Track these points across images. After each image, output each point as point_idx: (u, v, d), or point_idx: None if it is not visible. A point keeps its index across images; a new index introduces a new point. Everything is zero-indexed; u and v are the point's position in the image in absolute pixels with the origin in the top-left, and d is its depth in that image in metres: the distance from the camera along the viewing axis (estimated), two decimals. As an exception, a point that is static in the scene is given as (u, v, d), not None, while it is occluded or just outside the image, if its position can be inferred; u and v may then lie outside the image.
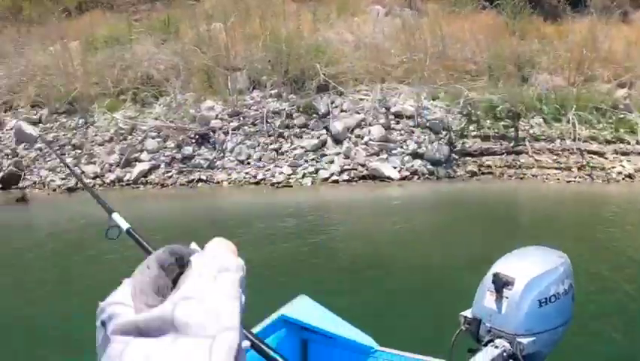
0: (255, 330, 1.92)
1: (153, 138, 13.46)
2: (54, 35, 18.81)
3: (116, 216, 1.66)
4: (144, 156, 13.19)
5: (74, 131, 14.38)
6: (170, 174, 12.83)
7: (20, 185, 13.67)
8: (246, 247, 7.64)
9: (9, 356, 4.83)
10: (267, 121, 13.54)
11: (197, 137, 13.35)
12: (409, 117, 13.66)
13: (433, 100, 14.25)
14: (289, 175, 12.59)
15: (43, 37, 19.01)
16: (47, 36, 19.07)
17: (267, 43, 15.16)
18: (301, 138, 13.48)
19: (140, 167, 12.91)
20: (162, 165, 12.98)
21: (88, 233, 9.00)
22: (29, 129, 14.93)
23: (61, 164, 13.48)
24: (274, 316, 2.13)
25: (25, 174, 13.94)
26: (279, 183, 12.41)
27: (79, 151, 13.71)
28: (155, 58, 15.48)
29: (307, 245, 7.94)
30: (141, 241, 1.48)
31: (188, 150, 13.10)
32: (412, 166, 12.71)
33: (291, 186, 12.31)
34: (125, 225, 1.60)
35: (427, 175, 12.63)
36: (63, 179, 13.14)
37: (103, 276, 6.70)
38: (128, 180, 12.75)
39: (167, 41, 16.35)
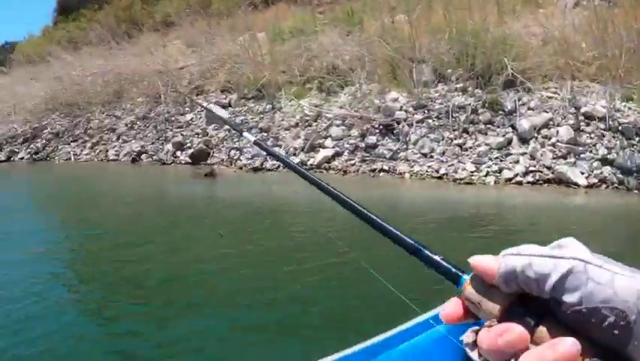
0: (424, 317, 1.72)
1: (338, 125, 13.50)
2: (242, 27, 19.79)
3: (245, 134, 1.80)
4: (328, 142, 13.28)
5: (261, 116, 14.98)
6: (352, 161, 12.76)
7: (209, 161, 14.49)
8: (420, 237, 7.32)
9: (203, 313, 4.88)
10: (451, 115, 13.02)
11: (381, 127, 13.15)
12: (600, 119, 12.36)
13: (627, 101, 12.85)
14: (472, 172, 11.94)
15: (232, 29, 20.07)
16: (235, 28, 20.12)
17: (453, 36, 14.65)
18: (486, 134, 12.79)
19: (323, 153, 13.01)
20: (346, 153, 12.95)
21: (266, 206, 9.29)
22: (219, 112, 15.81)
23: (248, 145, 14.00)
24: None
25: (213, 152, 14.77)
26: (461, 179, 11.81)
27: (265, 134, 14.16)
28: (340, 49, 15.60)
29: (480, 243, 7.40)
30: (266, 147, 1.59)
31: (371, 139, 12.92)
32: (601, 173, 11.43)
33: (474, 184, 11.68)
34: (252, 138, 1.71)
35: (615, 184, 11.32)
36: (249, 159, 13.66)
37: (272, 244, 6.77)
38: (311, 165, 12.90)
39: (351, 33, 16.43)
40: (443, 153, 12.50)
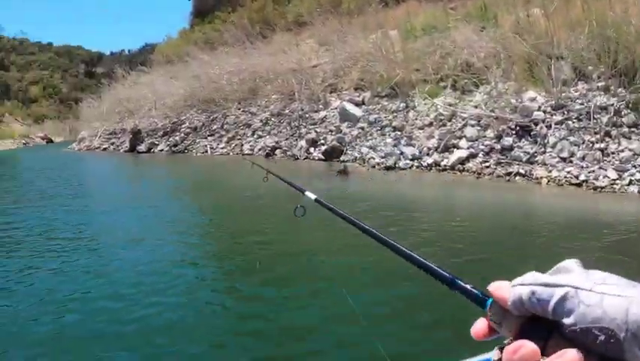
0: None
1: (473, 125, 13.23)
2: (373, 25, 20.02)
3: (307, 193, 1.83)
4: (463, 143, 13.07)
5: (395, 114, 15.08)
6: (487, 163, 12.39)
7: (342, 158, 14.86)
8: (551, 249, 6.98)
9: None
10: (593, 117, 12.38)
11: (517, 128, 12.66)
12: None
13: None
14: (614, 180, 11.01)
15: (363, 27, 20.37)
16: (367, 26, 20.39)
17: (593, 30, 13.88)
18: (630, 139, 11.95)
19: (458, 153, 12.83)
20: (480, 154, 12.62)
21: (396, 206, 9.31)
22: (352, 110, 16.19)
23: (381, 143, 14.23)
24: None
25: (346, 150, 15.11)
26: (602, 187, 10.90)
27: (399, 133, 14.29)
28: (475, 45, 15.22)
29: (622, 266, 6.76)
30: (329, 205, 1.55)
31: (507, 141, 12.46)
32: None
33: (615, 193, 10.90)
34: (313, 196, 1.75)
35: None
36: (382, 157, 13.80)
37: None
38: (444, 166, 12.79)
39: (485, 28, 16.02)
40: (583, 158, 11.87)
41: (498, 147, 12.60)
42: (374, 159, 13.94)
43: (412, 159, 13.37)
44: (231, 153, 20.18)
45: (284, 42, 24.45)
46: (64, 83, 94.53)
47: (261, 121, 20.29)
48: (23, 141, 61.56)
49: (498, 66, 14.32)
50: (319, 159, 15.71)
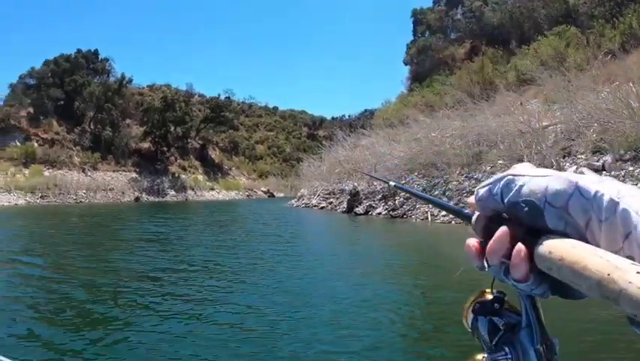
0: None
1: None
2: (604, 78, 18.68)
3: (391, 182, 1.83)
4: None
5: (644, 180, 13.64)
6: None
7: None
8: None
9: None
10: None
11: None
12: None
13: None
14: None
15: (593, 81, 19.06)
16: (597, 79, 19.08)
17: None
18: None
19: None
20: None
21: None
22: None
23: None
24: None
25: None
26: None
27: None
28: None
29: None
30: (407, 188, 1.53)
31: None
32: None
33: None
34: (393, 183, 1.75)
35: None
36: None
37: None
38: None
39: None
40: None
41: None
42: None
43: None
44: (453, 222, 19.83)
45: (508, 102, 23.77)
46: (288, 143, 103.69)
47: (486, 188, 19.72)
48: (247, 193, 68.51)
49: None
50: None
